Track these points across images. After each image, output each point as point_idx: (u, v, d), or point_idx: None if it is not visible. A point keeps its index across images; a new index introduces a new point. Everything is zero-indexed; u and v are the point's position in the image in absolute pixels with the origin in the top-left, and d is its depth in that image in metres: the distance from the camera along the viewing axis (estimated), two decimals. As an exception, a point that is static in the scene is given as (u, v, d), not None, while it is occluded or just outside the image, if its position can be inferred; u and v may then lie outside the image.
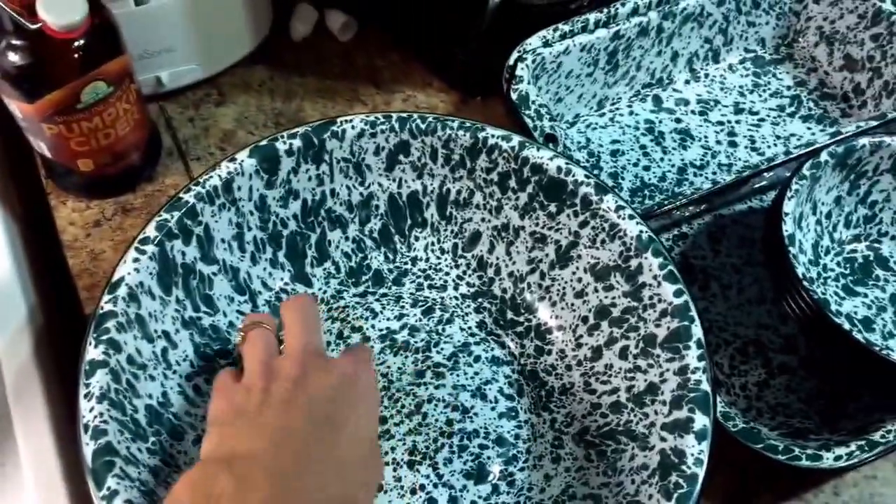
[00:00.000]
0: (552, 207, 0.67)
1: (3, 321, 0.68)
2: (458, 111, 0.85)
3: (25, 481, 0.62)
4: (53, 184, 0.76)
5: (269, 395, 0.52)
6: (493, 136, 0.67)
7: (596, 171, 0.81)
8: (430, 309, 0.70)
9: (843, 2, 0.87)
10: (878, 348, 0.63)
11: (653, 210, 0.72)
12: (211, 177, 0.64)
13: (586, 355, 0.67)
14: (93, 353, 0.56)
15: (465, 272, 0.72)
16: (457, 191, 0.70)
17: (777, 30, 0.90)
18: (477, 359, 0.68)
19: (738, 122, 0.86)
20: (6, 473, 0.66)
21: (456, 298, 0.71)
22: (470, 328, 0.70)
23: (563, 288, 0.68)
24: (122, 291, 0.59)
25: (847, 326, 0.64)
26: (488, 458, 0.64)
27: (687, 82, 0.88)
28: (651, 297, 0.62)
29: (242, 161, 0.64)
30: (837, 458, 0.63)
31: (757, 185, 0.80)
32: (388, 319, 0.70)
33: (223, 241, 0.65)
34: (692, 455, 0.56)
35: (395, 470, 0.63)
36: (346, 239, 0.71)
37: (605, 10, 0.79)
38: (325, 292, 0.70)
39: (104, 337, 0.57)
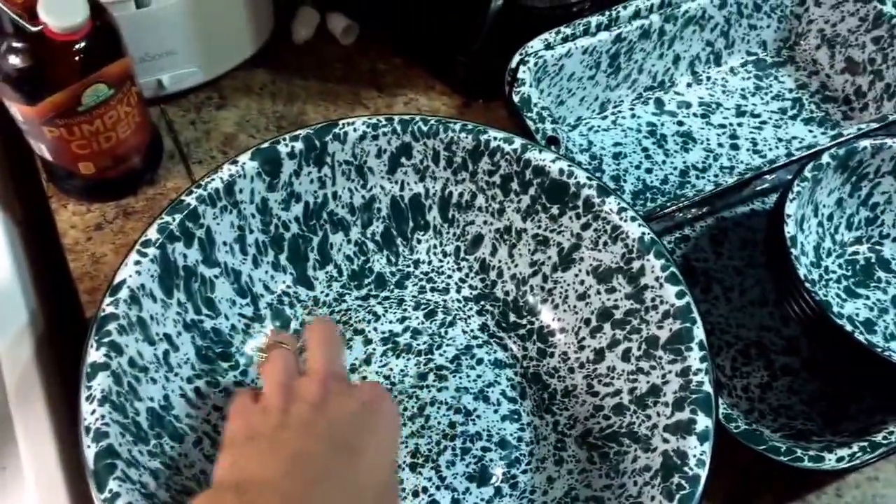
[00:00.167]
0: (554, 210, 0.67)
1: (5, 324, 0.68)
2: (461, 114, 0.85)
3: (27, 484, 0.62)
4: (54, 187, 0.76)
5: (287, 417, 0.50)
6: (495, 138, 0.67)
7: (598, 174, 0.81)
8: (432, 312, 0.70)
9: (844, 5, 0.87)
10: (879, 350, 0.63)
11: (655, 212, 0.72)
12: (213, 179, 0.64)
13: (589, 357, 0.67)
14: (94, 355, 0.56)
15: (467, 275, 0.72)
16: (459, 193, 0.70)
17: (778, 33, 0.90)
18: (479, 361, 0.68)
19: (739, 124, 0.86)
20: (7, 476, 0.66)
21: (458, 301, 0.71)
22: (472, 331, 0.70)
23: (566, 290, 0.68)
24: (124, 294, 0.59)
25: (849, 328, 0.64)
26: (491, 460, 0.64)
27: (689, 85, 0.88)
28: (653, 299, 0.62)
29: (244, 163, 0.64)
30: (839, 459, 0.63)
31: (759, 188, 0.80)
32: (390, 322, 0.70)
33: (225, 243, 0.65)
34: (694, 456, 0.56)
35: (397, 473, 0.63)
36: (349, 242, 0.71)
37: (607, 13, 0.79)
38: (327, 295, 0.70)
39: (106, 340, 0.57)
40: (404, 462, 0.64)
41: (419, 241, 0.72)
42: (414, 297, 0.71)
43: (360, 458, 0.50)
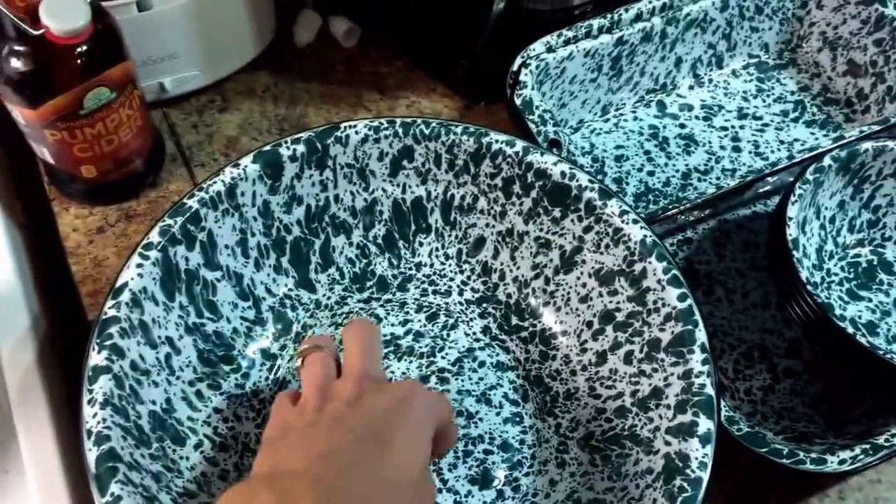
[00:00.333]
0: (556, 212, 0.67)
1: (7, 327, 0.68)
2: (463, 117, 0.85)
3: (29, 487, 0.62)
4: (56, 190, 0.76)
5: (321, 415, 0.51)
6: (496, 141, 0.67)
7: (600, 177, 0.81)
8: (434, 314, 0.70)
9: (845, 7, 0.87)
10: (882, 352, 0.63)
11: (657, 215, 0.72)
12: (214, 182, 0.64)
13: (591, 360, 0.67)
14: (96, 358, 0.56)
15: (469, 277, 0.72)
16: (461, 196, 0.70)
17: (780, 35, 0.90)
18: (482, 364, 0.68)
19: (741, 127, 0.86)
20: (9, 479, 0.66)
21: (460, 304, 0.71)
22: (474, 333, 0.70)
23: (568, 293, 0.68)
24: (126, 297, 0.59)
25: (851, 330, 0.64)
26: (493, 463, 0.64)
27: (691, 88, 0.88)
28: (655, 302, 0.62)
29: (246, 166, 0.64)
30: (842, 461, 0.63)
31: (761, 190, 0.80)
32: (392, 325, 0.70)
33: (227, 246, 0.65)
34: (696, 459, 0.56)
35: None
36: (351, 245, 0.71)
37: (609, 16, 0.80)
38: (329, 298, 0.70)
39: (107, 343, 0.57)
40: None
41: (421, 244, 0.72)
42: (416, 299, 0.71)
43: (391, 451, 0.50)
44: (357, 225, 0.70)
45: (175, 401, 0.61)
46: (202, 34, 0.78)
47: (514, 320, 0.70)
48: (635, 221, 0.64)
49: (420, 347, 0.69)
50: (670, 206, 0.73)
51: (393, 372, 0.67)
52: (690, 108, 0.87)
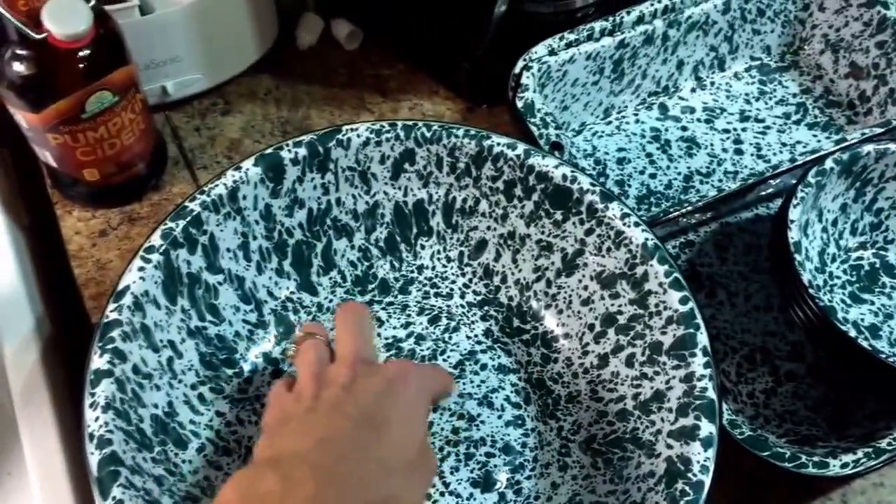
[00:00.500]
0: (558, 215, 0.67)
1: (11, 330, 0.68)
2: (465, 119, 0.85)
3: (32, 489, 0.62)
4: (59, 193, 0.76)
5: (318, 402, 0.52)
6: (498, 144, 0.67)
7: (602, 179, 0.81)
8: (436, 317, 0.70)
9: (848, 10, 0.87)
10: (884, 356, 0.63)
11: (659, 217, 0.72)
12: (216, 185, 0.64)
13: (593, 363, 0.67)
14: (98, 362, 0.56)
15: (471, 280, 0.72)
16: (462, 199, 0.70)
17: (782, 38, 0.90)
18: (483, 367, 0.68)
19: (743, 129, 0.86)
20: (13, 481, 0.66)
21: (462, 307, 0.71)
22: (476, 336, 0.70)
23: (570, 296, 0.68)
24: (128, 300, 0.59)
25: (854, 334, 0.64)
26: (495, 466, 0.64)
27: (693, 90, 0.88)
28: (657, 305, 0.62)
29: (248, 170, 0.64)
30: (844, 465, 0.63)
31: (763, 193, 0.80)
32: (394, 328, 0.70)
33: (228, 250, 0.65)
34: (698, 462, 0.56)
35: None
36: (352, 248, 0.71)
37: (611, 19, 0.80)
38: (331, 301, 0.70)
39: (109, 346, 0.57)
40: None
41: (423, 247, 0.72)
42: (418, 302, 0.71)
43: (385, 432, 0.51)
44: (359, 228, 0.70)
45: (177, 404, 0.61)
46: (204, 37, 0.78)
47: (516, 323, 0.70)
48: (637, 224, 0.64)
49: (422, 350, 0.69)
50: (672, 209, 0.73)
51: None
52: (692, 110, 0.87)
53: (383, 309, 0.70)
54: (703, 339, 0.60)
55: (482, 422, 0.66)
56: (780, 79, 0.90)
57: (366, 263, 0.71)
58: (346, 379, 0.53)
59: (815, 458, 0.63)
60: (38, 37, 0.61)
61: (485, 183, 0.69)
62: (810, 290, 0.65)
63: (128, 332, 0.58)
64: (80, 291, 0.72)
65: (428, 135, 0.67)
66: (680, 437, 0.58)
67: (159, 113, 0.82)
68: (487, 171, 0.68)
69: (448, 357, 0.68)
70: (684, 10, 0.82)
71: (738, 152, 0.84)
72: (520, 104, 0.75)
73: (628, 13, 0.80)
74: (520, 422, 0.66)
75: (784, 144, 0.85)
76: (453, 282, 0.72)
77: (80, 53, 0.63)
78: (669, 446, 0.58)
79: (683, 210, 0.73)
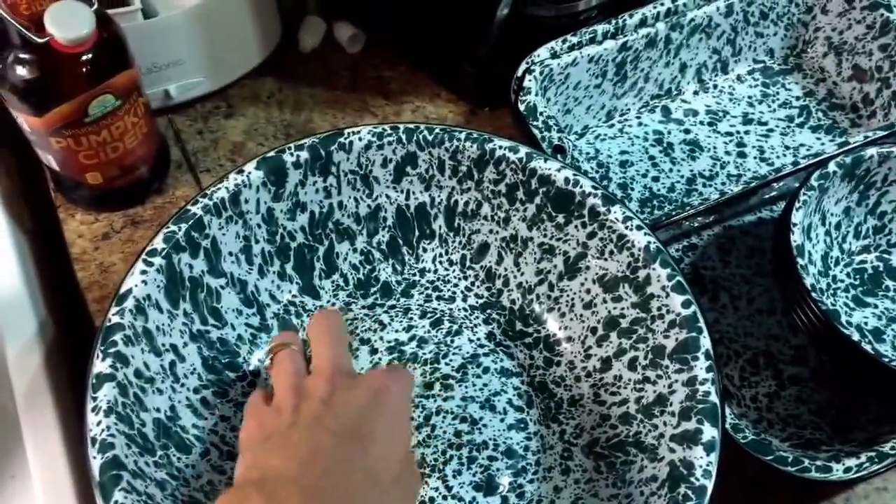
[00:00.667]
0: (560, 218, 0.67)
1: (14, 333, 0.68)
2: (468, 122, 0.85)
3: (35, 492, 0.62)
4: (62, 197, 0.76)
5: (298, 416, 0.52)
6: (500, 147, 0.67)
7: (605, 183, 0.81)
8: (438, 320, 0.70)
9: (851, 12, 0.87)
10: (887, 359, 0.63)
11: (661, 221, 0.72)
12: (218, 189, 0.64)
13: (595, 366, 0.66)
14: (100, 366, 0.56)
15: (473, 283, 0.72)
16: (465, 202, 0.70)
17: (785, 40, 0.90)
18: (486, 370, 0.68)
19: (746, 132, 0.86)
20: (16, 484, 0.66)
21: (464, 310, 0.71)
22: (479, 339, 0.70)
23: (572, 299, 0.68)
24: (130, 304, 0.59)
25: (857, 337, 0.63)
26: (497, 469, 0.64)
27: (696, 93, 0.88)
28: (659, 308, 0.62)
29: (250, 173, 0.65)
30: (847, 469, 0.63)
31: (766, 196, 0.80)
32: (396, 331, 0.70)
33: (231, 253, 0.65)
34: (701, 467, 0.56)
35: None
36: (354, 251, 0.71)
37: (613, 22, 0.79)
38: (333, 304, 0.70)
39: (111, 350, 0.57)
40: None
41: (425, 250, 0.72)
42: (420, 305, 0.71)
43: (370, 445, 0.51)
44: (361, 231, 0.70)
45: (180, 408, 0.61)
46: (207, 41, 0.78)
47: (519, 326, 0.70)
48: (639, 227, 0.64)
49: (424, 353, 0.69)
50: (675, 212, 0.73)
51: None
52: (695, 113, 0.87)
53: (385, 312, 0.70)
54: (705, 342, 0.60)
55: (484, 425, 0.66)
56: (783, 81, 0.90)
57: (368, 267, 0.71)
58: (326, 392, 0.53)
59: (819, 463, 0.63)
60: (40, 41, 0.61)
61: (487, 186, 0.69)
62: (813, 294, 0.65)
63: (130, 335, 0.58)
64: (84, 295, 0.72)
65: (430, 138, 0.67)
66: (683, 440, 0.57)
67: (162, 116, 0.82)
68: (490, 175, 0.68)
69: (450, 360, 0.68)
70: (687, 12, 0.82)
71: (741, 155, 0.84)
72: (522, 107, 0.75)
73: (631, 16, 0.80)
74: (522, 425, 0.66)
75: (787, 147, 0.85)
76: (455, 285, 0.72)
77: (83, 57, 0.63)
78: (672, 450, 0.58)
79: (686, 213, 0.73)
